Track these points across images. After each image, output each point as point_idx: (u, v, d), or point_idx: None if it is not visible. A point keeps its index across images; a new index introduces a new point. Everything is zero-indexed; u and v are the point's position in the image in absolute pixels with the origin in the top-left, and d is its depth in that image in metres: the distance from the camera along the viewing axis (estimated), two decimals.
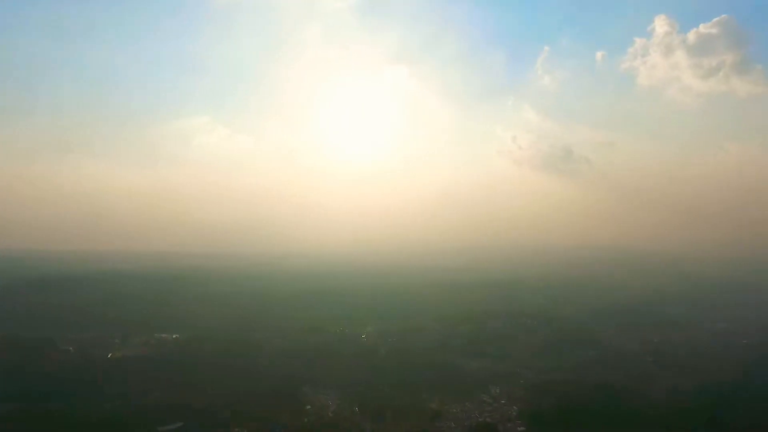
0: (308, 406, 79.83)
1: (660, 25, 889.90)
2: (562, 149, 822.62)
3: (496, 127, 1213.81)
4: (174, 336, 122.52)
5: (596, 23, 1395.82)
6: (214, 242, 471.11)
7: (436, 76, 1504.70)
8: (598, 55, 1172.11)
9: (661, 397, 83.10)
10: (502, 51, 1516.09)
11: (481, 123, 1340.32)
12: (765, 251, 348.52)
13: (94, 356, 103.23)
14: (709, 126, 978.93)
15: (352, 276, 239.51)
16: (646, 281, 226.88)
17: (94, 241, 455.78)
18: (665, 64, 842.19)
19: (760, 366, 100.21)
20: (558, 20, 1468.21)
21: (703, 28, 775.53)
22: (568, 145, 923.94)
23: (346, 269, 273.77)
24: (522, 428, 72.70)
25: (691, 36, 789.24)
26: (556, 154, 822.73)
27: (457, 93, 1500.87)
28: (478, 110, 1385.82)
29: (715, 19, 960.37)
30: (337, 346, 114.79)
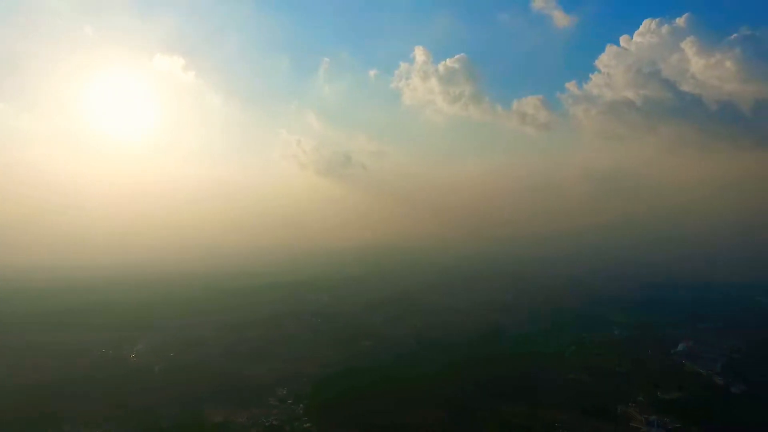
0: None
1: (419, 54, 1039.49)
2: (342, 155, 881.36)
3: (280, 131, 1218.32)
4: None
5: (369, 44, 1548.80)
6: None
7: (217, 72, 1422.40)
8: (371, 72, 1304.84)
9: (426, 371, 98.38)
10: (285, 56, 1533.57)
11: (265, 125, 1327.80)
12: (496, 244, 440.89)
13: None
14: (455, 142, 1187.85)
15: (118, 287, 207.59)
16: (412, 274, 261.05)
17: None
18: (423, 88, 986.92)
19: (486, 333, 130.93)
20: (336, 36, 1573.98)
21: (449, 62, 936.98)
22: (348, 152, 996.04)
23: (109, 280, 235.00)
24: (308, 424, 75.75)
25: (441, 67, 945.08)
26: (337, 160, 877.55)
27: (240, 91, 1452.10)
28: (261, 112, 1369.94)
29: (456, 56, 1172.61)
30: (99, 372, 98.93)
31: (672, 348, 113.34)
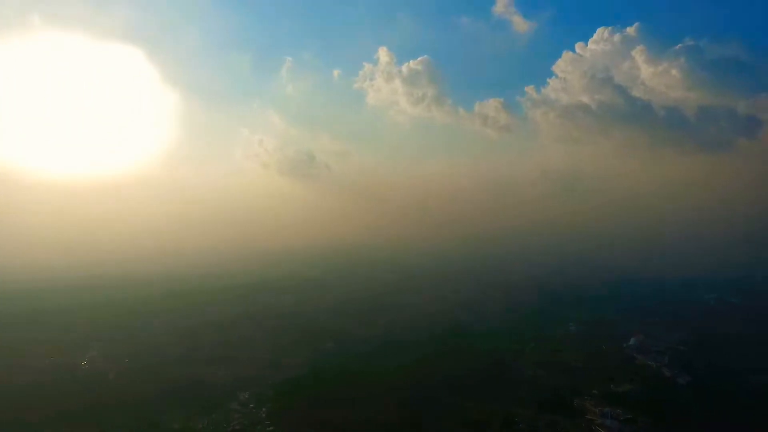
0: None
1: (382, 55, 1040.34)
2: (306, 155, 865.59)
3: (242, 130, 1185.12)
4: None
5: (333, 44, 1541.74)
6: None
7: (176, 67, 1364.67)
8: (335, 72, 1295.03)
9: (389, 370, 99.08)
10: (247, 54, 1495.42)
11: (225, 123, 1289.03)
12: (458, 243, 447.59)
13: None
14: (419, 143, 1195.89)
15: (66, 291, 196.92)
16: (376, 274, 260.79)
17: None
18: (387, 89, 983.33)
19: (449, 330, 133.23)
20: (299, 35, 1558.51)
21: (412, 63, 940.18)
22: (311, 152, 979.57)
23: (57, 283, 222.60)
24: (271, 428, 74.68)
25: (404, 69, 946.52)
26: (301, 160, 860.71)
27: (200, 88, 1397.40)
28: (222, 110, 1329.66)
29: (419, 58, 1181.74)
30: (47, 380, 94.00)
31: (624, 342, 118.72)
